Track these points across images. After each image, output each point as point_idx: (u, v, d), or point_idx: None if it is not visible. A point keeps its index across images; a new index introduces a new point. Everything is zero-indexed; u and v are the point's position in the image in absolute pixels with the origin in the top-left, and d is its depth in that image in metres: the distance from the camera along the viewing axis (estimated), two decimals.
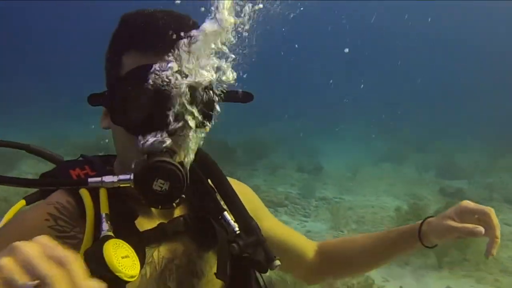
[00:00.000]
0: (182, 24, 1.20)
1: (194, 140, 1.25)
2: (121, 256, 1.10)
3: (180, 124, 1.17)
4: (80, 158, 1.44)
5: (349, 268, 1.78)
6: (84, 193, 1.25)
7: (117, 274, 1.06)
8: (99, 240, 1.14)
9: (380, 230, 1.65)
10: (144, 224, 1.29)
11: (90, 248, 1.14)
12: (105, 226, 1.18)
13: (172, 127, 1.16)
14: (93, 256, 1.09)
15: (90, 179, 1.20)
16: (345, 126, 21.73)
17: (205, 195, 1.42)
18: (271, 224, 1.66)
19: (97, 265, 1.07)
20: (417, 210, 7.56)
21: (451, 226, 1.43)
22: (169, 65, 1.16)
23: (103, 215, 1.20)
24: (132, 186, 1.16)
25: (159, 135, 1.16)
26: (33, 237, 1.16)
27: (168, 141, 1.17)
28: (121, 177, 1.19)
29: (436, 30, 42.82)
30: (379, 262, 1.68)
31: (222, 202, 1.43)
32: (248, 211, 1.43)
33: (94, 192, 1.25)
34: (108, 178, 1.19)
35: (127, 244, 1.15)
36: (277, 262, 1.35)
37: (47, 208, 1.24)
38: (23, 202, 1.50)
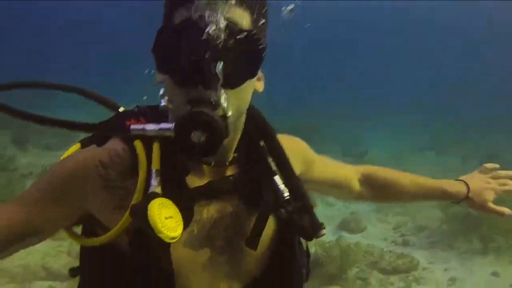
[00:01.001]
0: None
1: (241, 95, 1.21)
2: (164, 217, 1.11)
3: (224, 76, 1.12)
4: (136, 109, 1.42)
5: (387, 200, 2.00)
6: (138, 146, 1.24)
7: (158, 234, 1.08)
8: (145, 197, 1.15)
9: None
10: (195, 181, 1.28)
11: (136, 204, 1.15)
12: (154, 182, 1.18)
13: (216, 78, 1.11)
14: (137, 214, 1.12)
15: (132, 127, 1.22)
16: (389, 114, 21.42)
17: (257, 156, 1.40)
18: (321, 168, 1.69)
19: (140, 223, 1.10)
20: None
21: (487, 208, 1.89)
22: (215, 15, 1.11)
23: (153, 171, 1.20)
24: (172, 136, 1.14)
25: (203, 86, 1.12)
26: (80, 181, 1.21)
27: (212, 93, 1.12)
28: (163, 125, 1.20)
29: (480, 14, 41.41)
30: (414, 202, 1.97)
31: (273, 164, 1.40)
32: (298, 168, 1.45)
33: (148, 145, 1.24)
34: (150, 127, 1.21)
35: (173, 204, 1.16)
36: (323, 231, 1.34)
37: (100, 155, 1.24)
38: (78, 145, 1.51)
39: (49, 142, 11.39)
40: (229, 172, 1.34)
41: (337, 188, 1.77)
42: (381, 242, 7.05)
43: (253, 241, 1.30)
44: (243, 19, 1.16)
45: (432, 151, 14.71)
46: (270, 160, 1.40)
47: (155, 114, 1.32)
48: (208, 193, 1.28)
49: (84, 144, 1.51)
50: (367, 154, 13.31)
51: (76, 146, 1.51)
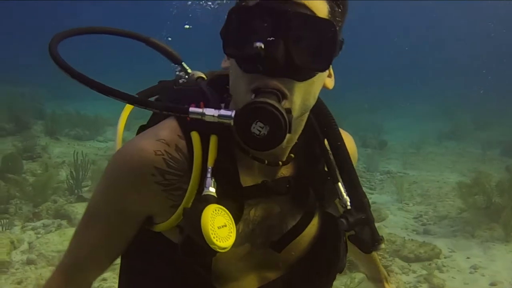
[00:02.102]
0: None
1: (309, 89, 1.11)
2: (217, 226, 1.05)
3: (293, 65, 1.03)
4: (196, 83, 1.37)
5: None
6: (194, 138, 1.17)
7: (210, 245, 1.02)
8: (199, 201, 1.10)
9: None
10: (247, 178, 1.21)
11: (189, 210, 1.10)
12: (209, 182, 1.12)
13: (284, 67, 1.02)
14: (190, 222, 1.06)
15: (191, 109, 1.09)
16: (408, 104, 21.15)
17: (319, 158, 1.32)
18: None
19: (192, 232, 1.04)
20: (480, 184, 7.33)
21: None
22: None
23: (209, 169, 1.13)
24: (232, 124, 1.04)
25: (269, 74, 1.04)
26: (139, 193, 1.17)
27: (278, 83, 1.04)
28: (223, 112, 1.07)
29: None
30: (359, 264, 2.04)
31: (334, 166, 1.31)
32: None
33: (205, 138, 1.17)
34: (209, 111, 1.08)
35: (226, 211, 1.09)
36: (382, 245, 1.29)
37: (155, 161, 1.15)
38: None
39: (78, 133, 11.57)
40: (283, 171, 1.27)
41: None
42: (402, 231, 7.00)
43: (279, 246, 1.26)
44: (320, 6, 1.07)
45: (452, 140, 14.52)
46: (332, 162, 1.32)
47: (217, 100, 1.23)
48: (261, 194, 1.23)
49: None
50: (386, 145, 13.16)
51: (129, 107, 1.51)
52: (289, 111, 1.02)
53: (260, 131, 0.98)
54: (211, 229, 1.03)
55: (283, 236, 1.26)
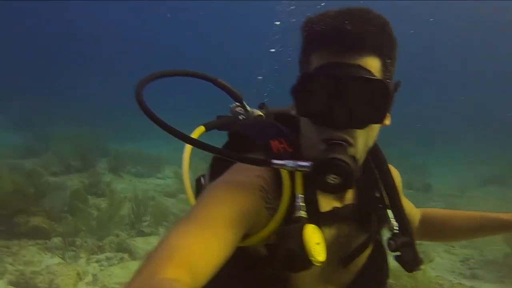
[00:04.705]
0: (369, 24, 1.18)
1: (370, 132, 1.25)
2: (315, 242, 1.16)
3: (354, 118, 1.18)
4: (268, 117, 1.52)
5: (442, 238, 1.96)
6: (283, 171, 1.28)
7: (310, 258, 1.12)
8: (298, 221, 1.19)
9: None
10: (322, 201, 1.32)
11: (289, 227, 1.18)
12: (299, 206, 1.23)
13: (347, 120, 1.18)
14: (292, 235, 1.15)
15: (273, 161, 1.21)
16: (452, 146, 20.64)
17: (373, 188, 1.44)
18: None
19: (294, 243, 1.13)
20: None
21: None
22: (348, 62, 1.17)
23: (299, 196, 1.24)
24: (309, 171, 1.18)
25: (336, 127, 1.19)
26: (252, 202, 1.21)
27: (343, 134, 1.19)
28: (300, 163, 1.21)
29: None
30: (469, 239, 1.90)
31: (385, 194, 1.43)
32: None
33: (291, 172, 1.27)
34: (289, 163, 1.21)
35: (320, 230, 1.20)
36: (422, 266, 1.41)
37: (259, 181, 1.26)
38: (202, 128, 1.58)
39: (139, 171, 11.86)
40: (349, 195, 1.40)
41: None
42: (449, 274, 6.75)
43: (347, 261, 1.38)
44: (373, 64, 1.19)
45: (495, 185, 13.98)
46: (382, 190, 1.44)
47: (288, 125, 1.38)
48: (333, 218, 1.34)
49: (208, 128, 1.59)
50: (431, 187, 12.82)
51: (200, 130, 1.57)
52: (354, 158, 1.18)
53: (333, 181, 1.15)
54: (312, 243, 1.14)
55: (351, 253, 1.39)
